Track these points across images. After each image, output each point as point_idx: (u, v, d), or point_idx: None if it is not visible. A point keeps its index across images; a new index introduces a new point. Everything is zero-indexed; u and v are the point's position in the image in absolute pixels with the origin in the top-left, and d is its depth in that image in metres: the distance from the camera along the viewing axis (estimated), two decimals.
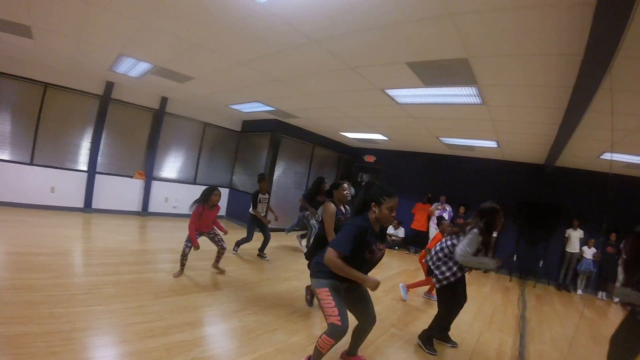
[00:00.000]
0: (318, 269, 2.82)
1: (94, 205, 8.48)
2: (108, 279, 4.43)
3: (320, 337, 2.75)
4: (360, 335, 3.15)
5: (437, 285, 3.98)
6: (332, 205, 4.26)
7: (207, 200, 5.03)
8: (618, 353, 3.24)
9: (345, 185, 4.52)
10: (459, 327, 4.29)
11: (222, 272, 5.41)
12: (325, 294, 2.73)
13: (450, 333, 4.20)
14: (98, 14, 4.27)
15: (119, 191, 8.96)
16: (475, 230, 3.71)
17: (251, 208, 6.69)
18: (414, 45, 3.76)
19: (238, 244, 6.80)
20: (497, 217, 3.74)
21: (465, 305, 4.16)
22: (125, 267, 5.02)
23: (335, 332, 2.66)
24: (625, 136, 5.30)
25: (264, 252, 6.95)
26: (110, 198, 8.76)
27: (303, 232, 8.55)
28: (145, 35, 4.78)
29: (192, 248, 4.89)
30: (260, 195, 6.71)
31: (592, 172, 8.69)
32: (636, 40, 2.72)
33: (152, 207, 9.57)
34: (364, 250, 2.67)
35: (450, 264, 3.88)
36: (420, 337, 4.03)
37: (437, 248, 4.09)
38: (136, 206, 9.33)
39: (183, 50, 5.14)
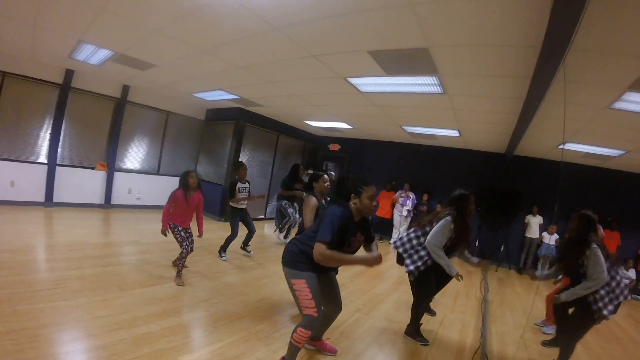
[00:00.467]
0: (294, 259, 2.77)
1: (56, 198, 8.17)
2: (72, 273, 4.33)
3: (294, 332, 2.75)
4: (326, 321, 3.18)
5: (410, 277, 4.01)
6: (314, 199, 4.07)
7: (186, 185, 4.79)
8: (571, 334, 3.51)
9: (326, 176, 4.34)
10: None
11: (184, 267, 5.11)
12: (302, 285, 2.72)
13: None
14: None
15: (81, 183, 8.66)
16: (448, 217, 3.81)
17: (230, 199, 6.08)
18: (375, 33, 3.78)
19: (224, 248, 6.11)
20: (469, 202, 3.88)
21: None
22: (89, 260, 4.91)
23: (311, 323, 2.70)
24: (583, 126, 5.49)
25: (249, 244, 6.56)
26: (72, 191, 8.46)
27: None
28: (104, 21, 4.61)
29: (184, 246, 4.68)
30: (239, 185, 6.12)
31: (551, 161, 9.03)
32: (587, 33, 2.83)
33: (115, 199, 9.30)
34: (344, 242, 2.66)
35: (423, 252, 3.91)
36: (407, 332, 4.06)
37: (412, 235, 4.06)
38: (99, 199, 9.04)
39: (142, 37, 5.00)
